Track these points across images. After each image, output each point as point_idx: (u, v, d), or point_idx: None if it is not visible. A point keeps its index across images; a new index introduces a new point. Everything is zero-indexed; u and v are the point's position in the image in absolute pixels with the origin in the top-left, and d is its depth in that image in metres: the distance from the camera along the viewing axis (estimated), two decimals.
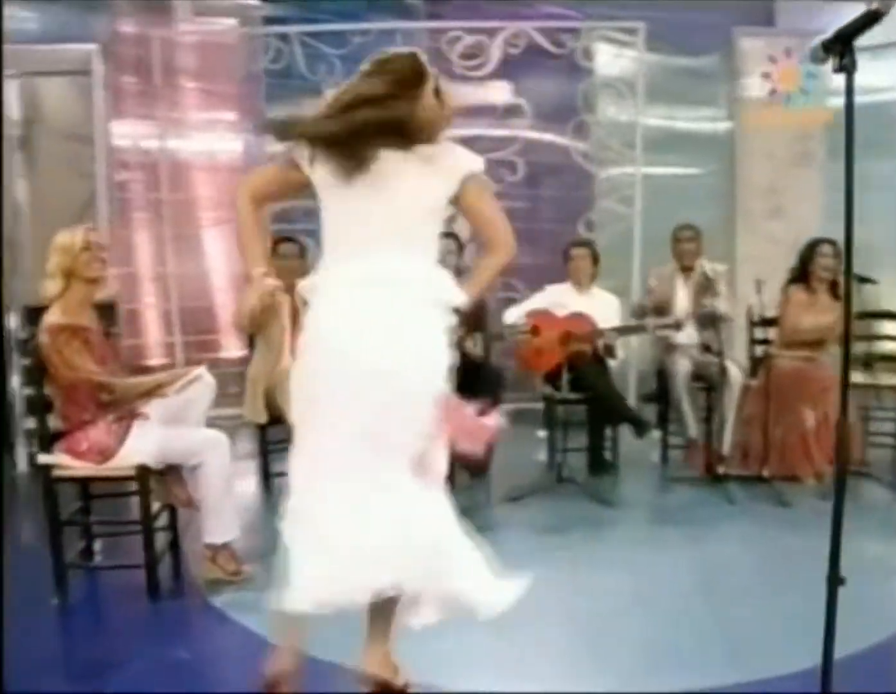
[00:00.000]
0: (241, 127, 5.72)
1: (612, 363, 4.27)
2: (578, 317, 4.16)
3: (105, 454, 2.80)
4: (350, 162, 1.90)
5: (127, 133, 5.81)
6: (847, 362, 1.55)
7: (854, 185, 1.52)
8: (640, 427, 3.96)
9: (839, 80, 1.49)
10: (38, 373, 2.84)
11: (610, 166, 5.54)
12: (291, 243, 4.00)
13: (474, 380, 3.95)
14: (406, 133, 1.91)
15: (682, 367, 4.13)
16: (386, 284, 1.92)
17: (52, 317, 2.81)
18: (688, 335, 4.26)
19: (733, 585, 2.92)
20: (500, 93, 5.47)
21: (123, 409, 2.90)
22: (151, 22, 5.78)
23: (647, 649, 2.44)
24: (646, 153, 5.41)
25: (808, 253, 4.17)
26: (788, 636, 2.41)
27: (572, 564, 3.13)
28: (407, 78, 1.91)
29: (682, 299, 4.32)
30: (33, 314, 3.36)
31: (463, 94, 5.42)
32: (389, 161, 1.92)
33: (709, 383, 4.17)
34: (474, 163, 1.99)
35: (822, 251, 4.11)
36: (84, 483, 3.03)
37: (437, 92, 1.96)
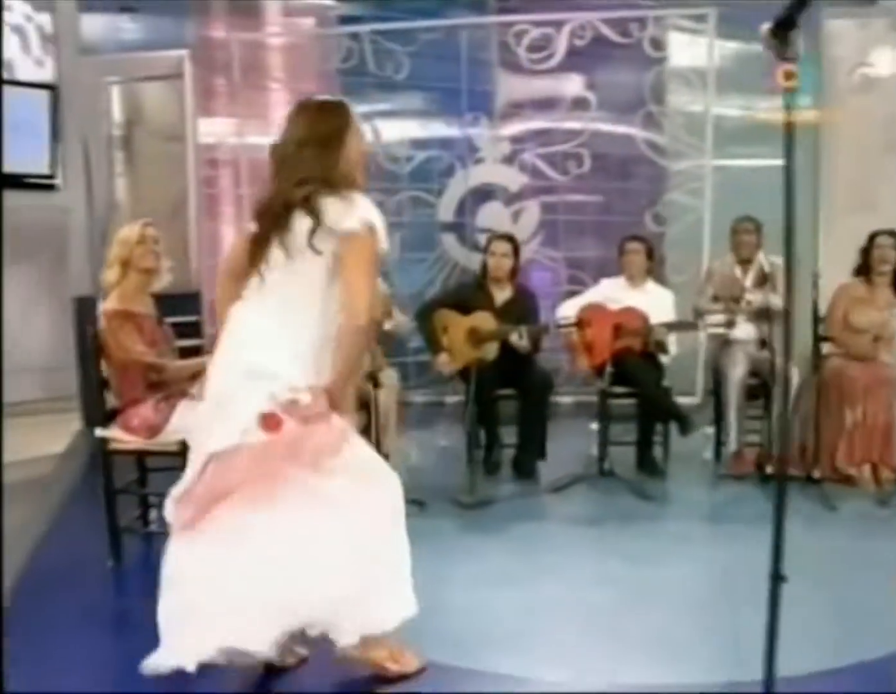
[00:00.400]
0: None
1: (664, 359, 4.22)
2: (629, 311, 4.13)
3: (152, 430, 3.04)
4: None
5: (213, 132, 6.16)
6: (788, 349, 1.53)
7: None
8: (684, 425, 3.90)
9: None
10: (95, 355, 3.11)
11: (681, 158, 5.44)
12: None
13: (520, 373, 4.04)
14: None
15: (737, 369, 4.01)
16: None
17: (108, 303, 3.09)
18: (745, 331, 4.15)
19: (753, 585, 2.85)
20: (566, 85, 5.46)
21: (173, 389, 3.14)
22: (235, 25, 6.11)
23: (653, 641, 2.44)
24: (721, 144, 5.29)
25: (868, 244, 3.99)
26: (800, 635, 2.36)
27: (600, 554, 3.16)
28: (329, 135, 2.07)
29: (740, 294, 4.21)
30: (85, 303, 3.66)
31: (531, 87, 5.47)
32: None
33: (764, 380, 4.06)
34: (351, 219, 2.00)
35: (880, 242, 3.93)
36: (139, 456, 3.29)
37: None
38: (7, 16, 6.20)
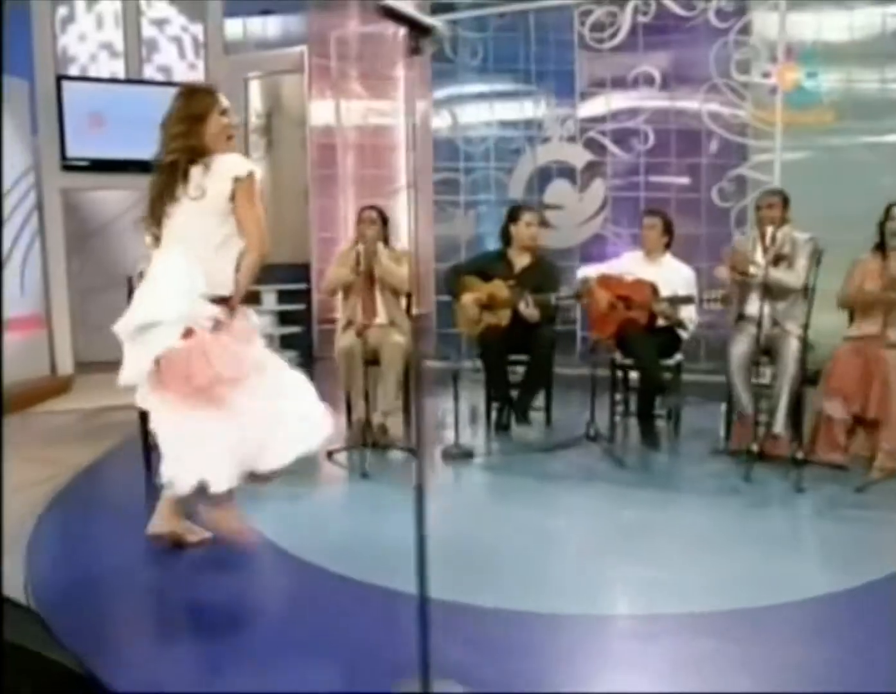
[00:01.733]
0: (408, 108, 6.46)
1: (684, 333, 4.29)
2: (636, 284, 4.25)
3: None
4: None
5: (324, 117, 6.89)
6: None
7: None
8: (668, 399, 3.99)
9: None
10: None
11: (753, 133, 5.32)
12: (372, 210, 4.56)
13: (528, 339, 4.31)
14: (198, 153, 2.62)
15: (737, 347, 3.99)
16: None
17: None
18: (755, 307, 4.10)
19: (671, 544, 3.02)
20: (632, 62, 5.52)
21: None
22: (347, 20, 6.77)
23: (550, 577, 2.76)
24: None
25: (884, 217, 3.79)
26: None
27: (547, 506, 3.47)
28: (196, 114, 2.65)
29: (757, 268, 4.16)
30: None
31: (605, 66, 5.61)
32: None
33: (771, 358, 4.02)
34: (239, 168, 2.61)
35: (894, 214, 3.72)
36: None
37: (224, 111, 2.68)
38: (168, 28, 7.35)
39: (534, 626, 2.36)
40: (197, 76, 7.39)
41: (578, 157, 5.69)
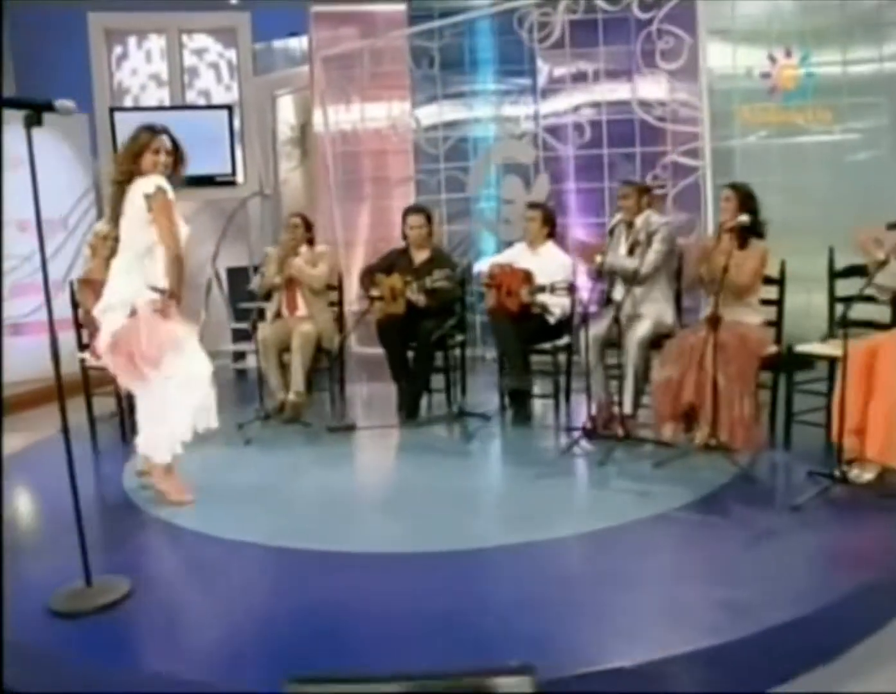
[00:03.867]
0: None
1: (551, 319, 4.53)
2: (513, 273, 4.52)
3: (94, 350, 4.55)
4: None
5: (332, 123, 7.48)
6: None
7: None
8: (515, 386, 4.29)
9: None
10: None
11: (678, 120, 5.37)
12: (296, 217, 5.08)
13: (414, 325, 4.72)
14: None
15: (596, 326, 4.17)
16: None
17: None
18: (618, 293, 4.27)
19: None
20: (565, 61, 5.70)
21: None
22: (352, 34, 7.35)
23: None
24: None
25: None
26: None
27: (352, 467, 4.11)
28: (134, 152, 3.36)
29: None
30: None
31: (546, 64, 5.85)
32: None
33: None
34: (148, 187, 3.28)
35: (724, 194, 3.84)
36: None
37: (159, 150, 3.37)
38: (206, 56, 8.32)
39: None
40: (232, 97, 8.32)
41: (526, 154, 5.94)
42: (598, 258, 4.14)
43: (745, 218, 3.72)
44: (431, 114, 6.35)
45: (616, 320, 4.07)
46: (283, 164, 8.58)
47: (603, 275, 4.19)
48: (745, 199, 3.87)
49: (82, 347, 4.72)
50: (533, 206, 4.80)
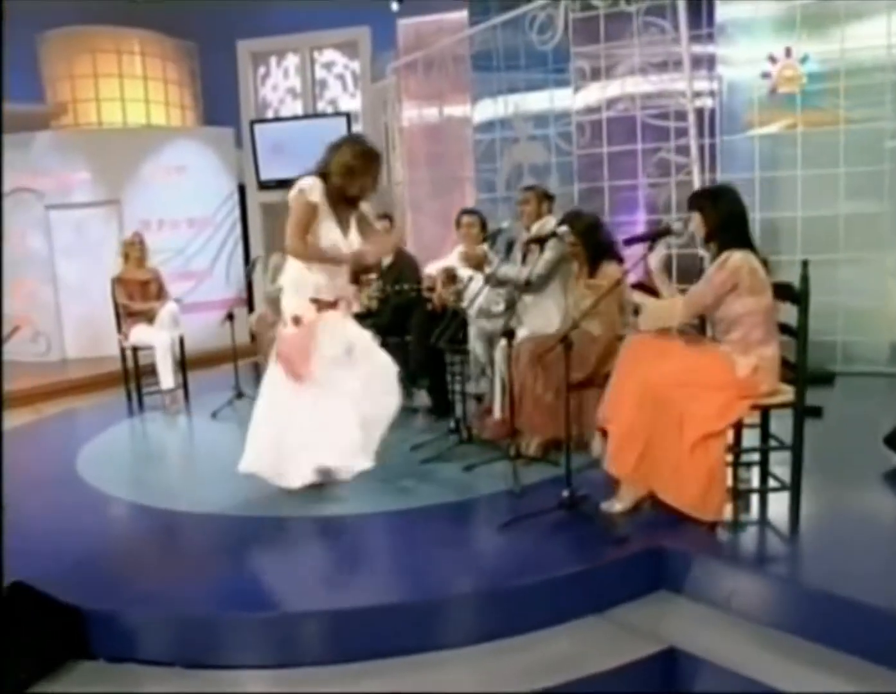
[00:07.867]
0: None
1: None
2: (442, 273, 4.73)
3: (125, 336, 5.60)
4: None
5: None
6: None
7: None
8: (408, 380, 4.51)
9: None
10: None
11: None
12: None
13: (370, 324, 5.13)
14: None
15: (474, 327, 4.29)
16: None
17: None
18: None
19: None
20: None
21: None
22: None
23: None
24: None
25: None
26: None
27: None
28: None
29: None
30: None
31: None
32: None
33: None
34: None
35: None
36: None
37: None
38: (334, 68, 9.24)
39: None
40: (356, 103, 9.15)
41: (537, 155, 5.95)
42: (487, 269, 4.22)
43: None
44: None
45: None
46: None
47: (492, 283, 4.25)
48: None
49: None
50: (469, 212, 4.89)
